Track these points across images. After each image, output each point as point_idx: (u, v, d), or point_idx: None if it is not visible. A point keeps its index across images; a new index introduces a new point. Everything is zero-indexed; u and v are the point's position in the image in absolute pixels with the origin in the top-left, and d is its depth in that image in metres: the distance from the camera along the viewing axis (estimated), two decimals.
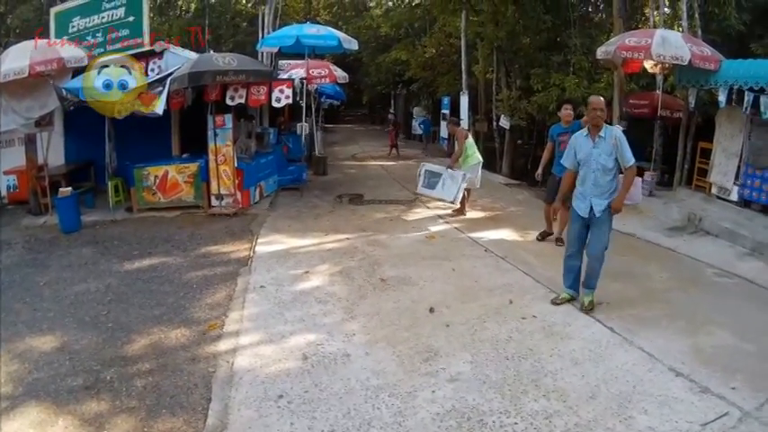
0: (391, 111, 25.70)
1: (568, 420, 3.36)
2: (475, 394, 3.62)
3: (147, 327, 4.71)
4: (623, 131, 5.10)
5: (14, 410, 3.51)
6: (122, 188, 9.26)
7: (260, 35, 11.68)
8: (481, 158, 9.06)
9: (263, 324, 4.74)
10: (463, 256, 6.67)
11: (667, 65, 8.94)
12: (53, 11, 10.73)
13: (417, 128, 22.28)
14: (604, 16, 15.96)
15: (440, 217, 8.73)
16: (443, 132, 18.70)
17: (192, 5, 22.36)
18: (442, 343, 4.36)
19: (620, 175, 4.93)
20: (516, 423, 3.32)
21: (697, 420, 3.36)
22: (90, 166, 9.98)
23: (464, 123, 15.27)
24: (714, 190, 8.83)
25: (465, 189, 8.71)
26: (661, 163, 10.63)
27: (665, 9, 11.41)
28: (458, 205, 8.80)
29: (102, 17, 10.25)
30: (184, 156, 9.33)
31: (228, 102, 8.70)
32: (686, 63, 7.91)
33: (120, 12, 10.22)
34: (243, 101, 8.75)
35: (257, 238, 7.38)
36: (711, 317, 4.91)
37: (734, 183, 8.39)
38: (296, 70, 12.42)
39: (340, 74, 14.02)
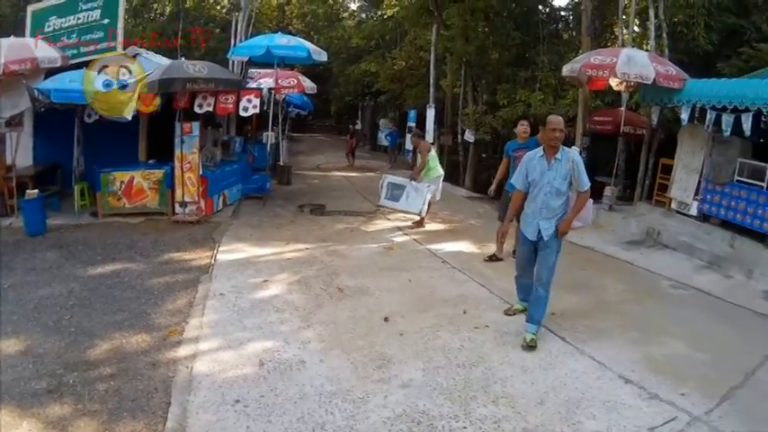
0: (357, 122, 25.80)
1: (516, 425, 3.49)
2: (425, 400, 3.76)
3: (109, 332, 4.77)
4: (585, 148, 5.02)
5: None
6: (88, 192, 9.24)
7: (233, 42, 11.77)
8: (443, 171, 9.28)
9: (222, 331, 4.84)
10: (420, 267, 6.86)
11: (632, 83, 9.00)
12: (30, 9, 10.59)
13: (384, 140, 22.42)
14: (574, 34, 16.17)
15: (399, 229, 8.95)
16: (408, 145, 19.00)
17: (167, 9, 22.20)
18: (395, 351, 4.49)
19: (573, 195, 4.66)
20: (465, 427, 3.46)
21: (645, 425, 3.49)
22: (57, 169, 9.89)
23: (429, 136, 15.66)
24: (674, 205, 8.94)
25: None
26: (623, 178, 10.81)
27: (635, 28, 11.42)
28: (423, 216, 8.96)
29: (78, 18, 10.16)
30: (150, 162, 9.36)
31: (197, 109, 8.74)
32: (650, 82, 7.98)
33: (96, 14, 10.16)
34: (211, 109, 8.81)
35: (219, 246, 7.46)
36: (665, 327, 5.04)
37: (693, 198, 8.48)
38: (265, 79, 12.46)
39: (308, 84, 14.18)
